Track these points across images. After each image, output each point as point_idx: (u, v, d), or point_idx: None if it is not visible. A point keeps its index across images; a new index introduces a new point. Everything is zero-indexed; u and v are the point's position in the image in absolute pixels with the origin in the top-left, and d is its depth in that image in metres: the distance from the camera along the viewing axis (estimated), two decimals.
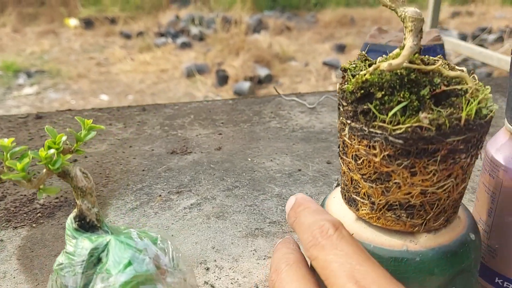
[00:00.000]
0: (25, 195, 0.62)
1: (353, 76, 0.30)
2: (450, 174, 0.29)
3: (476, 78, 0.31)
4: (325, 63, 4.37)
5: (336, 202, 0.35)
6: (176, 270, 0.35)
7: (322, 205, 0.36)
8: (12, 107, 3.59)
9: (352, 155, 0.30)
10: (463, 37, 4.57)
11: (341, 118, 0.31)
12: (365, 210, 0.32)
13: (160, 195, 0.61)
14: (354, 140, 0.30)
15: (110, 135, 0.82)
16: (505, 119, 0.35)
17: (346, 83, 0.30)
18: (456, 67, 0.32)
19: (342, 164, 0.33)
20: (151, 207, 0.59)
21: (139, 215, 0.57)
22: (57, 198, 0.61)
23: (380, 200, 0.30)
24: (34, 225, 0.55)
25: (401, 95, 0.28)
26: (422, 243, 0.31)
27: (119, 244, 0.33)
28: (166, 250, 0.36)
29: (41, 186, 0.33)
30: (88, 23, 5.28)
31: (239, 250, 0.50)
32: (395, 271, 0.30)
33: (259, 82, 4.06)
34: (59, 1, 5.66)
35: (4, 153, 0.32)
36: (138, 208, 0.58)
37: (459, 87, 0.29)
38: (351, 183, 0.32)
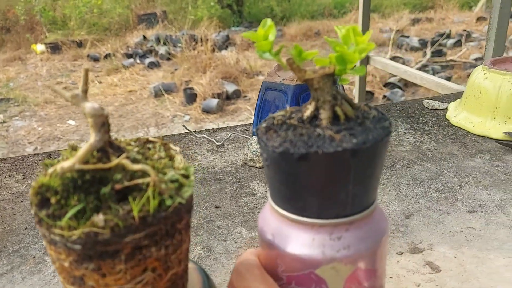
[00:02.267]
0: None
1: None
2: (144, 269, 0.29)
3: (182, 161, 0.30)
4: None
5: None
6: None
7: None
8: None
9: (52, 259, 0.30)
10: (424, 43, 4.71)
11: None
12: None
13: (34, 257, 0.60)
14: (47, 244, 0.29)
15: (6, 188, 0.79)
16: (268, 194, 0.35)
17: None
18: (172, 148, 0.32)
19: None
20: (21, 271, 0.57)
21: (6, 282, 0.56)
22: None
23: None
24: None
25: (75, 198, 0.27)
26: None
27: None
28: None
29: None
30: (54, 48, 5.27)
31: None
32: None
33: (227, 98, 4.10)
34: (25, 27, 5.64)
35: None
36: (8, 273, 0.57)
37: (140, 180, 0.28)
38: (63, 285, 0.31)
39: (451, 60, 4.20)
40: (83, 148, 0.28)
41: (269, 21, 0.33)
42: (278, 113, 0.35)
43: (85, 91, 0.31)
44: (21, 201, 0.74)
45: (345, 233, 0.32)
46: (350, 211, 0.32)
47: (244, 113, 3.95)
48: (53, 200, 0.28)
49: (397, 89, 3.60)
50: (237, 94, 4.17)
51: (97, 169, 0.28)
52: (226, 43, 5.28)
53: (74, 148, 0.32)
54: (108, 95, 4.27)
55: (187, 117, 3.84)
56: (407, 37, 4.97)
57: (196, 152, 0.89)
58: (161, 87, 4.23)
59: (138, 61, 4.91)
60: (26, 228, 0.67)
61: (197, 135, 0.95)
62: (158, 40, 5.21)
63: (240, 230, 0.63)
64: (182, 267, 0.32)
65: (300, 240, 0.32)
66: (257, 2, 6.09)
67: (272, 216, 0.34)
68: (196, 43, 4.89)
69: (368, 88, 3.65)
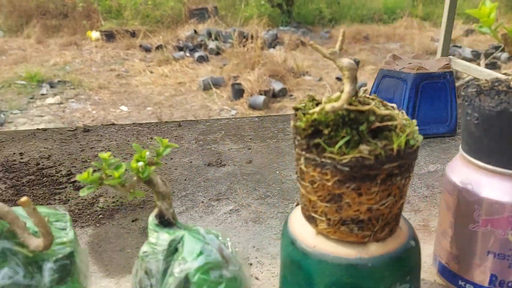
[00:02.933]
0: (85, 200, 0.71)
1: (304, 114, 0.37)
2: (389, 194, 0.35)
3: (404, 113, 0.38)
4: (338, 78, 4.46)
5: (297, 219, 0.42)
6: (235, 261, 0.43)
7: (286, 223, 0.43)
8: (35, 116, 3.73)
9: (309, 180, 0.36)
10: (476, 55, 4.63)
11: (297, 150, 0.37)
12: (323, 225, 0.38)
13: (202, 202, 0.71)
14: (310, 168, 0.36)
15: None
16: (460, 145, 0.42)
17: (298, 120, 0.37)
18: (388, 104, 0.40)
19: (300, 188, 0.39)
20: (196, 211, 0.68)
21: (187, 218, 0.66)
22: (114, 202, 0.71)
23: (335, 217, 0.36)
24: (97, 225, 0.65)
25: (344, 131, 0.35)
26: (372, 251, 0.37)
27: (191, 238, 0.41)
28: (226, 245, 0.44)
29: (131, 190, 0.42)
30: (109, 36, 5.45)
31: (276, 249, 0.59)
32: (352, 277, 0.37)
33: (273, 96, 4.15)
34: (81, 14, 5.86)
35: (103, 164, 0.41)
36: (185, 212, 0.67)
37: (390, 123, 0.35)
38: (310, 203, 0.38)
39: (505, 74, 4.12)
40: (345, 93, 0.35)
41: (488, 2, 0.40)
42: (477, 82, 0.42)
43: (341, 49, 0.38)
44: (171, 158, 0.84)
45: None
46: None
47: (289, 111, 3.99)
48: (326, 131, 0.35)
49: None
50: (283, 93, 4.22)
51: (356, 110, 0.36)
52: (274, 42, 5.33)
53: (312, 98, 0.41)
54: (159, 85, 4.39)
55: (233, 112, 3.92)
56: (460, 47, 4.89)
57: None
58: (210, 81, 4.32)
59: (188, 54, 5.02)
60: (185, 179, 0.76)
61: None
62: (209, 34, 5.32)
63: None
64: (403, 200, 0.39)
65: (502, 188, 0.38)
66: (307, 3, 6.12)
67: (467, 167, 0.41)
68: (247, 40, 4.97)
69: None
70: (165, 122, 1.04)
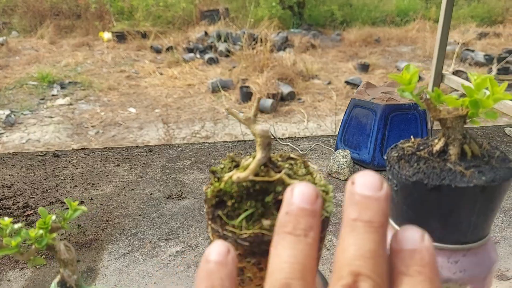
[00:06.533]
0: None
1: (218, 178, 0.35)
2: None
3: (322, 178, 0.35)
4: (347, 82, 4.43)
5: None
6: None
7: None
8: (45, 117, 3.79)
9: None
10: (489, 59, 4.54)
11: (206, 217, 0.35)
12: None
13: (150, 241, 0.69)
14: (215, 238, 0.34)
15: (117, 176, 0.89)
16: None
17: (209, 187, 0.35)
18: (310, 166, 0.36)
19: None
20: (140, 253, 0.66)
21: (129, 261, 0.64)
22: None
23: None
24: (37, 267, 0.64)
25: (248, 203, 0.33)
26: None
27: None
28: None
29: (31, 258, 0.40)
30: (120, 37, 5.51)
31: None
32: None
33: (282, 99, 4.14)
34: (94, 15, 5.93)
35: (3, 231, 0.39)
36: (129, 253, 0.66)
37: None
38: None
39: None
40: (254, 163, 0.33)
41: (412, 67, 0.38)
42: (404, 144, 0.39)
43: (255, 115, 0.36)
44: (131, 189, 0.83)
45: (462, 258, 0.36)
46: (469, 239, 0.36)
47: (297, 115, 3.97)
48: (229, 203, 0.33)
49: None
50: (291, 96, 4.21)
51: (263, 181, 0.33)
52: (285, 44, 5.32)
53: (232, 159, 0.38)
54: (168, 87, 4.42)
55: (241, 115, 3.92)
56: (472, 51, 4.80)
57: None
58: (219, 83, 4.33)
59: (198, 56, 5.04)
60: (140, 215, 0.74)
61: (281, 142, 1.01)
62: (219, 36, 5.33)
63: (331, 238, 0.67)
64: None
65: None
66: (318, 5, 6.08)
67: (389, 231, 0.39)
68: (256, 42, 4.96)
69: None
70: (136, 146, 1.03)
